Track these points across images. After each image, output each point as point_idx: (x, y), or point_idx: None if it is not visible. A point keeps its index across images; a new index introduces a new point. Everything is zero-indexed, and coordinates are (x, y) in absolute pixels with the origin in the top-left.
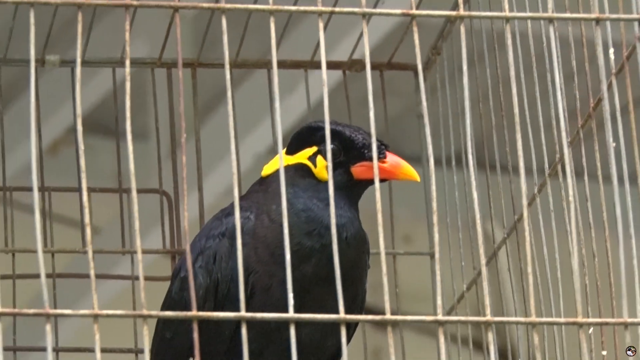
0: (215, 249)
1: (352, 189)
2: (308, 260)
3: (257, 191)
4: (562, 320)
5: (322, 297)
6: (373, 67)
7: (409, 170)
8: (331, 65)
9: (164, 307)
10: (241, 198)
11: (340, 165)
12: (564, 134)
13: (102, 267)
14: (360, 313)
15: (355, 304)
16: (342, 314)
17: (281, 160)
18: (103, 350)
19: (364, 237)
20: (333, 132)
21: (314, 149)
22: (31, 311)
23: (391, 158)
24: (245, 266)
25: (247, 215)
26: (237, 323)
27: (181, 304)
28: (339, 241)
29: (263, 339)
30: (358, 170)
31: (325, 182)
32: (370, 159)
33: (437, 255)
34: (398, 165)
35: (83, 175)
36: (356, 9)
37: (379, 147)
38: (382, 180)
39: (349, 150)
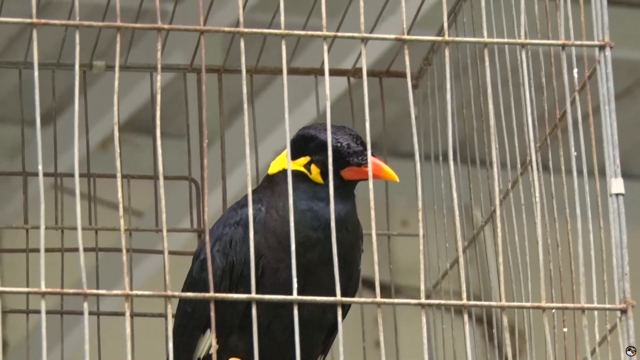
0: (231, 235)
1: (344, 188)
2: (313, 249)
3: (266, 187)
4: (528, 304)
5: (323, 277)
6: (373, 75)
7: (388, 172)
8: (337, 73)
9: (185, 285)
10: (253, 191)
11: (333, 169)
12: (532, 143)
13: (144, 245)
14: (355, 290)
15: (351, 282)
16: (338, 297)
17: (289, 165)
18: (137, 315)
19: (358, 224)
20: (322, 143)
21: (308, 158)
22: (71, 291)
23: (374, 162)
24: (256, 251)
25: (259, 207)
26: (249, 301)
27: (200, 282)
28: (341, 231)
29: (271, 314)
30: (347, 173)
31: (322, 184)
32: (355, 164)
33: (421, 247)
34: (379, 168)
35: (118, 176)
36: (356, 34)
37: (362, 153)
38: (358, 180)
39: (337, 158)
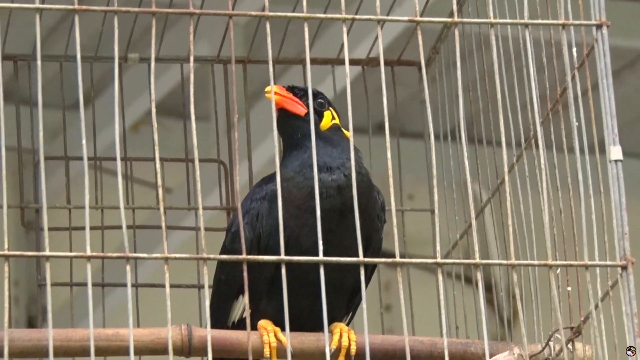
0: (257, 209)
1: (291, 133)
2: (325, 199)
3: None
4: (535, 262)
5: (344, 240)
6: (386, 63)
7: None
8: (352, 62)
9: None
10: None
11: None
12: (537, 116)
13: (172, 221)
14: (377, 257)
15: (371, 248)
16: (361, 257)
17: (313, 130)
18: (172, 286)
19: (370, 184)
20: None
21: None
22: (114, 255)
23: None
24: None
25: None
26: (275, 267)
27: (232, 253)
28: (340, 169)
29: (295, 280)
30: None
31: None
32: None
33: (436, 212)
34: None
35: (156, 157)
36: (372, 17)
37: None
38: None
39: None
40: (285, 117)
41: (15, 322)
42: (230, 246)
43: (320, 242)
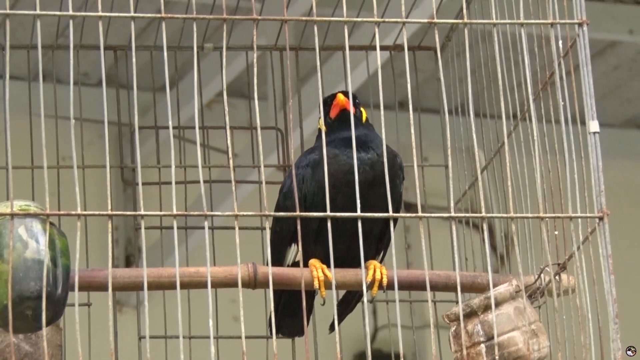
0: (302, 174)
1: (343, 125)
2: (359, 173)
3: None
4: (530, 215)
5: (371, 202)
6: (409, 48)
7: (341, 99)
8: (382, 48)
9: (275, 211)
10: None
11: (325, 116)
12: (530, 94)
13: (240, 176)
14: (398, 209)
15: (393, 200)
16: (391, 213)
17: (352, 118)
18: (241, 228)
19: (395, 157)
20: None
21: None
22: (195, 213)
23: (337, 96)
24: (319, 187)
25: (316, 154)
26: (320, 221)
27: (285, 209)
28: (368, 151)
29: (334, 230)
30: (331, 112)
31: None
32: (330, 102)
33: (450, 175)
34: (338, 98)
35: (227, 130)
36: (397, 19)
37: (332, 97)
38: (339, 113)
39: (325, 106)
40: (347, 114)
41: (116, 259)
42: (283, 204)
43: (358, 201)
